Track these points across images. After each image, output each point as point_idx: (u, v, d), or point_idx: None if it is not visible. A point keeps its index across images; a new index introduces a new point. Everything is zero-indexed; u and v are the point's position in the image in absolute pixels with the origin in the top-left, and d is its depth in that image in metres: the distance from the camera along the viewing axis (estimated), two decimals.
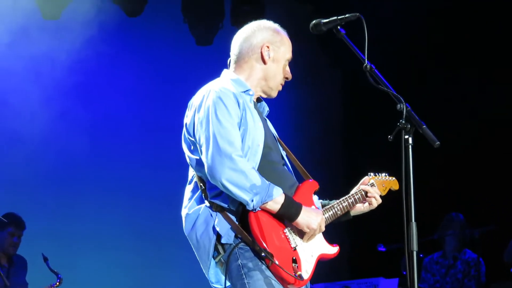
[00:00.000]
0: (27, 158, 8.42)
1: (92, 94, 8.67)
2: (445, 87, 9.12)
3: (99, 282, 8.45)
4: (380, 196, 4.08)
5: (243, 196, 3.59)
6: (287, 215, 3.68)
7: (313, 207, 3.85)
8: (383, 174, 4.16)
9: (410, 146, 3.40)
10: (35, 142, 8.41)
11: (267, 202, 3.62)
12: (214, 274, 3.79)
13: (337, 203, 3.97)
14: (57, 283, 7.43)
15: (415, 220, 3.36)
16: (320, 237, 3.85)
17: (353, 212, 4.06)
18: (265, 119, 3.99)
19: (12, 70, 8.21)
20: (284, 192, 3.68)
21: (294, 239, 3.72)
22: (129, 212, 8.89)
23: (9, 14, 8.18)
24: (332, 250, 3.89)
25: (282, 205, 3.65)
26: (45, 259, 7.40)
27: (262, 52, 3.89)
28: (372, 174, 4.13)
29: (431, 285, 8.21)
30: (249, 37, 3.92)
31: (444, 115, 8.66)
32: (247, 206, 3.62)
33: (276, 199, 3.64)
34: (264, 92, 3.96)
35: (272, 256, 3.59)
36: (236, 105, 3.72)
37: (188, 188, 3.86)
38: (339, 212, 3.95)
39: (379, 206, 4.10)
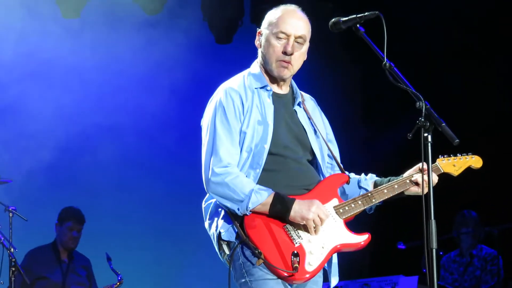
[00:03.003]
0: (45, 160, 8.45)
1: (110, 92, 8.69)
2: (464, 82, 9.06)
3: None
4: (453, 176, 4.05)
5: (229, 206, 3.72)
6: (279, 214, 3.74)
7: (335, 199, 3.87)
8: (458, 155, 4.08)
9: (429, 144, 3.40)
10: (56, 138, 8.45)
11: (254, 207, 3.69)
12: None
13: (374, 190, 3.94)
14: (117, 283, 7.36)
15: (434, 218, 3.36)
16: (339, 227, 3.84)
17: (407, 192, 3.99)
18: (295, 111, 3.99)
19: (34, 69, 8.25)
20: (276, 191, 3.72)
21: (298, 234, 3.75)
22: (148, 211, 8.91)
23: (29, 13, 8.21)
24: (357, 239, 3.85)
25: (271, 205, 3.71)
26: (109, 259, 7.35)
27: (256, 41, 3.99)
28: (444, 156, 4.07)
29: (449, 283, 8.19)
30: None
31: (463, 111, 8.62)
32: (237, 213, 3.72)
33: (264, 202, 3.70)
34: (272, 75, 3.94)
35: (260, 253, 3.65)
36: (240, 106, 3.82)
37: None
38: (374, 200, 3.90)
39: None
